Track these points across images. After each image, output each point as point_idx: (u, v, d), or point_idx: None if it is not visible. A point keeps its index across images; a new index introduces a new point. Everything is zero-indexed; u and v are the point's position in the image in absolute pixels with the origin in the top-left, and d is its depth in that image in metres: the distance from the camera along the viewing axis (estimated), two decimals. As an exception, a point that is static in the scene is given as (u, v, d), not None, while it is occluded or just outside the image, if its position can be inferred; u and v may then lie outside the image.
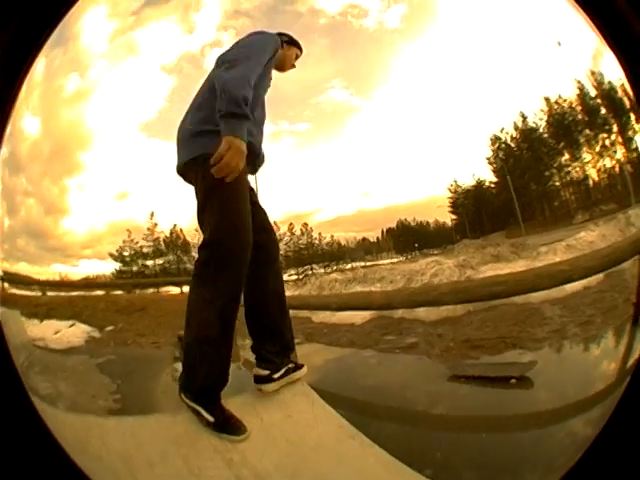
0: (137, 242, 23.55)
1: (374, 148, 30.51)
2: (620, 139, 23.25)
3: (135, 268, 23.38)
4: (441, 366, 5.23)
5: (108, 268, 22.23)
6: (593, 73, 23.25)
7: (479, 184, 27.81)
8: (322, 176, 30.85)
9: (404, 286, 7.99)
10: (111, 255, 22.75)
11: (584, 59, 22.97)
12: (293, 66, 3.55)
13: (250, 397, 2.95)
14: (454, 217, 28.02)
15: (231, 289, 2.61)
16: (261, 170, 3.43)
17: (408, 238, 28.61)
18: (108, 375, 5.77)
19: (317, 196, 31.70)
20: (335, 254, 28.09)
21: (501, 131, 27.71)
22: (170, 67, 26.03)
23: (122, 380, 5.54)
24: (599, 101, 23.91)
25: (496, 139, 27.93)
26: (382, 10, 29.47)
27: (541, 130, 27.15)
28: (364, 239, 29.64)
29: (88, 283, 19.13)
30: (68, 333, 8.24)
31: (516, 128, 27.70)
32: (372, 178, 30.99)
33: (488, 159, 27.82)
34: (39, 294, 12.84)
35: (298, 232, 27.74)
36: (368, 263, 24.44)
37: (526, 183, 26.62)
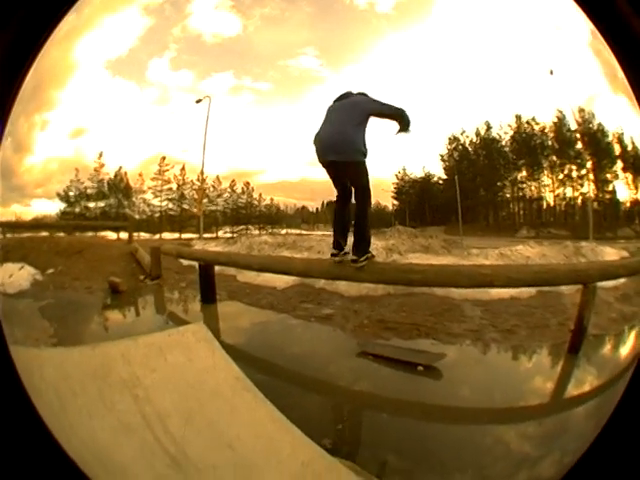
0: (83, 182, 23.55)
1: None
2: (592, 176, 24.00)
3: (78, 209, 23.31)
4: (352, 341, 5.12)
5: (54, 208, 22.46)
6: (582, 110, 23.83)
7: (427, 177, 28.56)
8: (273, 138, 31.49)
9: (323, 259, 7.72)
10: (58, 195, 22.75)
11: (577, 95, 23.49)
12: None
13: (159, 338, 3.07)
14: (396, 203, 28.81)
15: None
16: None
17: None
18: (47, 319, 5.81)
19: (264, 157, 32.51)
20: (272, 218, 28.40)
21: (461, 133, 28.34)
22: (153, 7, 26.31)
23: (58, 324, 5.58)
24: (578, 136, 24.48)
25: (454, 139, 28.69)
26: (377, -7, 29.39)
27: (503, 143, 27.68)
28: (303, 207, 30.43)
29: (37, 224, 19.23)
30: (18, 276, 8.28)
31: (477, 134, 28.29)
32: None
33: (442, 156, 28.50)
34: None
35: (239, 190, 27.76)
36: (304, 232, 24.37)
37: (476, 187, 27.14)
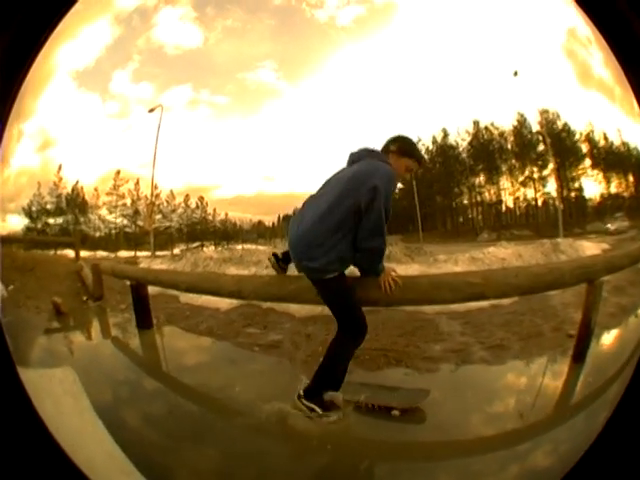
0: (44, 197, 23.52)
1: (286, 134, 31.91)
2: (556, 176, 24.46)
3: (39, 225, 23.26)
4: (303, 376, 3.80)
5: (21, 224, 22.45)
6: (546, 111, 24.23)
7: None
8: (229, 153, 32.61)
9: (261, 274, 7.01)
10: (23, 209, 22.65)
11: (541, 95, 23.82)
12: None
13: (33, 379, 2.41)
14: None
15: None
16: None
17: None
18: (9, 335, 4.90)
19: (220, 172, 32.75)
20: (228, 233, 28.78)
21: (418, 141, 28.25)
22: (122, 17, 26.45)
23: (14, 342, 4.70)
24: (540, 137, 24.96)
25: None
26: (339, 6, 31.17)
27: (460, 149, 28.23)
28: (259, 222, 30.80)
29: (8, 238, 18.00)
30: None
31: (434, 142, 28.98)
32: (278, 163, 33.21)
33: None
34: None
35: (193, 205, 28.22)
36: (260, 247, 24.14)
37: (432, 194, 27.58)
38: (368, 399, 3.35)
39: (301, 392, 3.19)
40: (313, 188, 3.29)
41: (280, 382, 3.98)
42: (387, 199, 3.00)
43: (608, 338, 4.76)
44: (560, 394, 3.63)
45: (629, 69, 1.46)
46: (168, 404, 3.63)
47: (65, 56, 22.80)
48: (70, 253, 15.62)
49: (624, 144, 22.47)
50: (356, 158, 3.32)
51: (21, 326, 6.13)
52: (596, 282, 3.92)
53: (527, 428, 2.99)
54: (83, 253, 15.40)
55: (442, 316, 5.70)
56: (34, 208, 22.77)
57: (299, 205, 3.45)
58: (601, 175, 23.99)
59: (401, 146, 3.32)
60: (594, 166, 24.02)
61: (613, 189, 23.86)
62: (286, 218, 30.03)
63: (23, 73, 1.58)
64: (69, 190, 24.22)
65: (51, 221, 23.54)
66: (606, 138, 23.17)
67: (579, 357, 3.98)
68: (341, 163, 3.43)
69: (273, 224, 30.76)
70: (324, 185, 3.32)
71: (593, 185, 24.30)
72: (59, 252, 16.72)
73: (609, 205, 24.01)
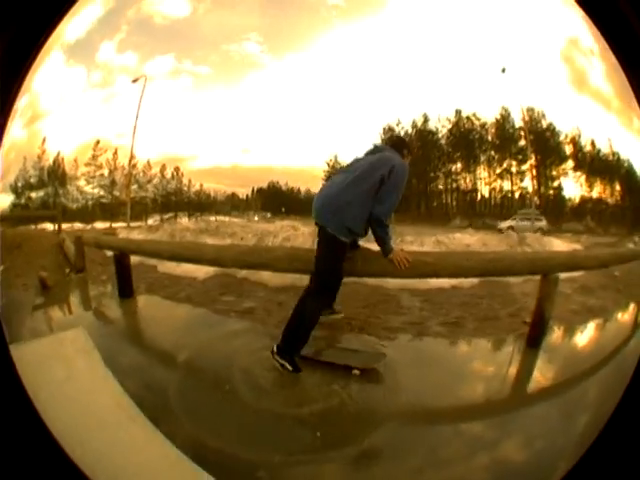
0: (28, 171, 23.04)
1: (266, 108, 31.65)
2: (534, 172, 24.62)
3: (23, 200, 22.89)
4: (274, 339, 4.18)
5: (7, 201, 21.70)
6: (531, 110, 24.38)
7: None
8: (207, 123, 31.71)
9: (239, 244, 7.72)
10: (10, 186, 21.99)
11: (528, 94, 23.94)
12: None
13: (41, 347, 2.92)
14: None
15: None
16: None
17: (276, 201, 29.43)
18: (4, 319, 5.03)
19: (197, 142, 32.10)
20: (202, 205, 28.54)
21: (397, 124, 28.45)
22: None
23: (7, 326, 4.79)
24: (522, 133, 25.06)
25: (389, 129, 28.89)
26: (332, -18, 29.36)
27: (439, 135, 28.14)
28: (233, 194, 30.66)
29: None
30: (-20, 277, 7.95)
31: (414, 126, 28.70)
32: (255, 136, 32.00)
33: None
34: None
35: (169, 175, 27.37)
36: (234, 219, 24.16)
37: (409, 177, 27.47)
38: (332, 358, 3.81)
39: (274, 348, 3.71)
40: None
41: (253, 342, 4.37)
42: (401, 182, 3.75)
43: (567, 331, 5.04)
44: (517, 374, 3.96)
45: (629, 69, 1.47)
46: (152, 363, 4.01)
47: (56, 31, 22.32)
48: (51, 226, 15.69)
49: (614, 153, 22.61)
50: (380, 149, 4.09)
51: (13, 307, 6.12)
52: (550, 276, 4.19)
53: (479, 400, 3.38)
54: (63, 225, 14.89)
55: (404, 292, 6.04)
56: (19, 184, 22.44)
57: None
58: (583, 178, 24.13)
59: (410, 151, 4.34)
60: (576, 168, 24.14)
61: (595, 194, 24.03)
62: (260, 191, 30.79)
63: (23, 73, 1.59)
64: (51, 162, 23.79)
65: (33, 195, 23.26)
66: (594, 144, 23.33)
67: (533, 343, 4.29)
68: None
69: (247, 196, 30.85)
70: (352, 163, 3.99)
71: (574, 187, 24.45)
72: (42, 226, 16.73)
73: (589, 209, 24.12)
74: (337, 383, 3.45)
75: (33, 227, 16.71)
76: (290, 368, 3.62)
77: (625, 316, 5.94)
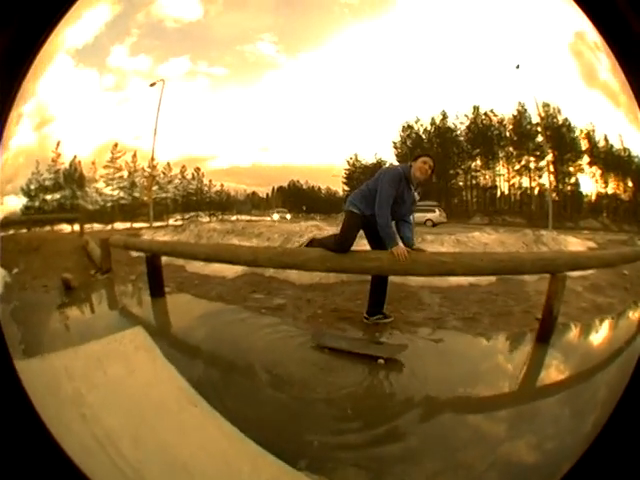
0: (42, 174, 22.45)
1: (283, 106, 30.84)
2: (552, 168, 24.44)
3: (37, 203, 22.28)
4: (306, 333, 4.82)
5: (19, 204, 21.22)
6: (547, 105, 24.22)
7: (379, 163, 27.84)
8: (225, 123, 30.97)
9: (275, 245, 7.74)
10: (22, 189, 21.46)
11: (543, 90, 23.81)
12: (428, 171, 4.75)
13: (98, 347, 3.05)
14: (347, 189, 28.29)
15: None
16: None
17: (297, 199, 29.16)
18: (16, 322, 5.48)
19: (216, 143, 31.44)
20: (223, 204, 28.39)
21: (416, 122, 28.27)
22: None
23: (24, 327, 5.26)
24: (539, 129, 24.87)
25: (408, 127, 28.68)
26: (345, -20, 29.38)
27: (458, 132, 27.96)
28: (254, 193, 30.31)
29: (6, 222, 17.90)
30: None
31: (433, 123, 28.48)
32: (274, 134, 31.15)
33: (394, 143, 28.52)
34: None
35: (190, 176, 27.59)
36: (254, 218, 24.01)
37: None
38: (360, 348, 4.24)
39: (366, 315, 5.09)
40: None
41: (288, 335, 4.82)
42: (382, 182, 4.57)
43: (576, 328, 5.24)
44: (527, 368, 4.22)
45: (629, 69, 1.46)
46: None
47: (65, 35, 22.34)
48: (69, 229, 15.75)
49: (625, 149, 22.42)
50: None
51: (28, 309, 6.26)
52: (558, 275, 4.42)
53: (488, 392, 3.71)
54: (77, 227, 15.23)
55: (425, 290, 6.28)
56: (32, 187, 21.80)
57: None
58: (598, 174, 23.91)
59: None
60: (592, 164, 23.93)
61: (610, 190, 23.64)
62: (280, 189, 30.52)
63: (23, 73, 1.55)
64: (67, 165, 23.49)
65: (49, 198, 22.79)
66: (606, 140, 23.01)
67: (543, 338, 4.52)
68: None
69: (267, 195, 30.70)
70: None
71: (590, 183, 24.17)
72: (59, 228, 16.45)
73: (604, 205, 23.92)
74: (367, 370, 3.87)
75: (51, 230, 16.33)
76: (387, 319, 5.07)
77: (632, 314, 6.06)
